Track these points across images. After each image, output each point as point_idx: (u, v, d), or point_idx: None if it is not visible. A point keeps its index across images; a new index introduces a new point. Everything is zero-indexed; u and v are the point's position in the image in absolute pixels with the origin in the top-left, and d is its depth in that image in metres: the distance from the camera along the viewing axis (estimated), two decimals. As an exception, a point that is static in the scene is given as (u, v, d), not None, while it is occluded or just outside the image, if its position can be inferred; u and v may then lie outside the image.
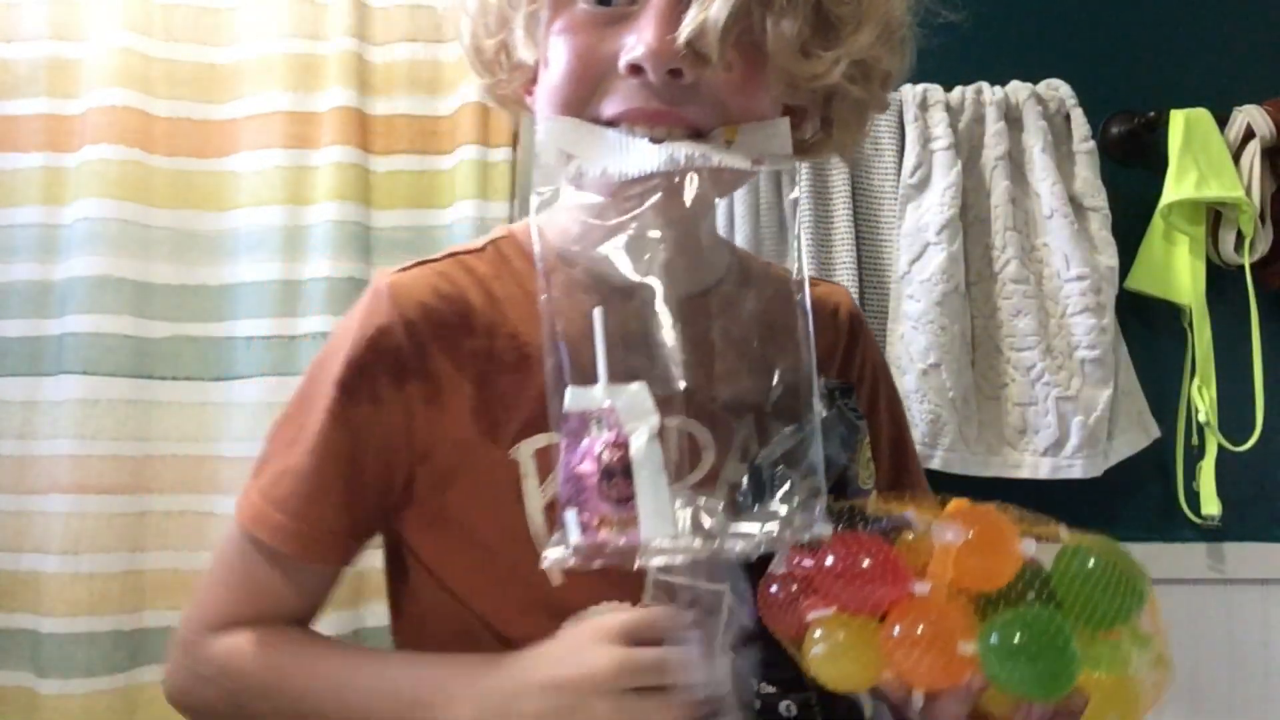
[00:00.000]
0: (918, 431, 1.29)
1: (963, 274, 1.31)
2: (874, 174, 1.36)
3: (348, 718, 0.61)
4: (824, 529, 0.53)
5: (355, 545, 0.67)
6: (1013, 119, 1.36)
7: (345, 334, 0.66)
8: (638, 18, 0.56)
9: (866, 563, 0.53)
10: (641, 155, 0.55)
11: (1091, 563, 0.54)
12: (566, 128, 0.57)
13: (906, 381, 1.28)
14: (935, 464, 1.29)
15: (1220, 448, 1.38)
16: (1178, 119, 1.38)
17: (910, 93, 1.35)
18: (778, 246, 1.30)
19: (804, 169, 1.28)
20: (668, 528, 0.49)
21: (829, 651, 0.53)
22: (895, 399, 0.78)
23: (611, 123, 0.58)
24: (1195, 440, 1.40)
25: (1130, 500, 1.40)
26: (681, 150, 0.55)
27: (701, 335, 0.59)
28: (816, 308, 0.61)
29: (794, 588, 0.54)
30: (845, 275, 1.31)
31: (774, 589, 0.55)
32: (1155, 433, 1.37)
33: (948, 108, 1.34)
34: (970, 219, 1.34)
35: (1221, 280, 1.40)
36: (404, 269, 0.66)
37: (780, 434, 0.57)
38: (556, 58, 0.59)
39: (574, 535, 0.50)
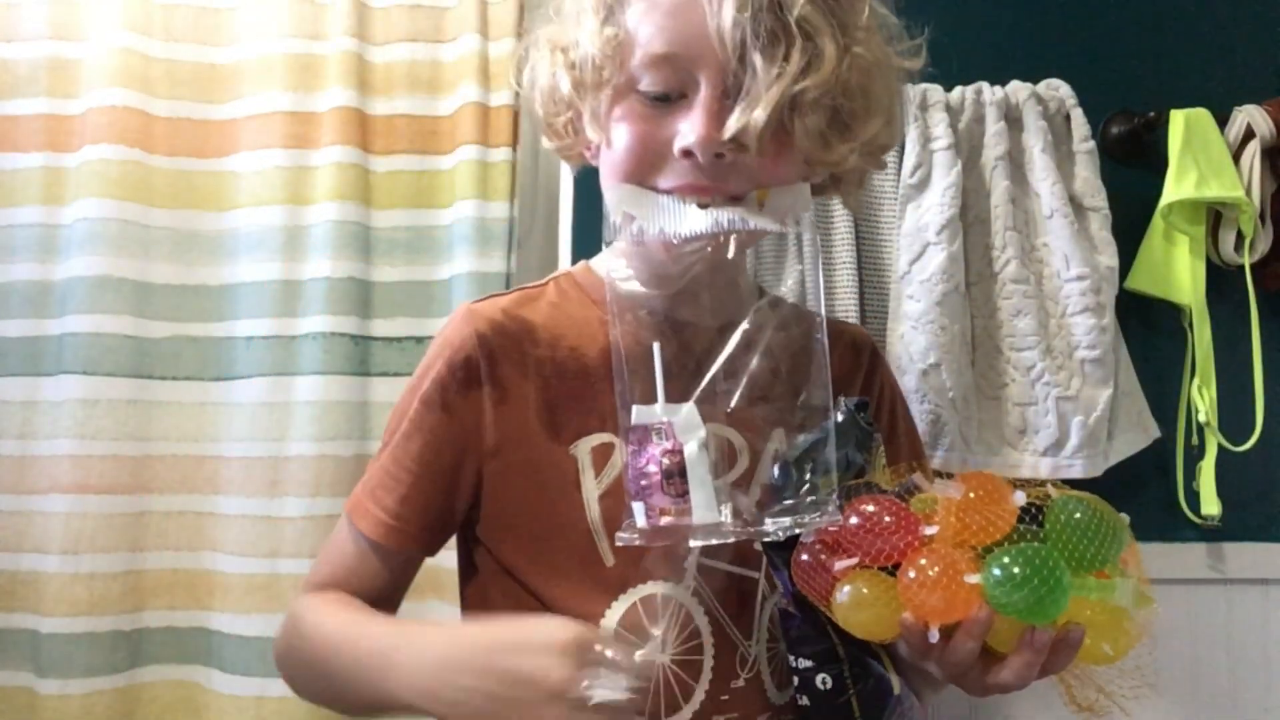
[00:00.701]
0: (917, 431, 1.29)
1: (963, 274, 1.31)
2: (873, 174, 1.36)
3: (343, 665, 0.70)
4: (836, 515, 0.63)
5: (429, 535, 0.78)
6: (1013, 119, 1.36)
7: (431, 352, 0.79)
8: (688, 109, 0.68)
9: (883, 518, 0.63)
10: (692, 219, 0.68)
11: (1079, 513, 0.62)
12: (630, 194, 0.70)
13: (906, 381, 1.28)
14: (935, 464, 1.29)
15: (1220, 448, 1.38)
16: (1178, 119, 1.38)
17: (910, 93, 1.35)
18: (775, 272, 1.30)
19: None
20: (714, 516, 0.63)
21: (854, 600, 0.62)
22: (911, 424, 0.91)
23: (666, 192, 0.70)
24: (1195, 440, 1.40)
25: (1130, 500, 1.40)
26: (725, 215, 0.68)
27: (737, 358, 0.71)
28: (839, 341, 0.77)
29: (820, 551, 0.64)
30: (845, 275, 1.31)
31: (804, 557, 0.65)
32: (1155, 433, 1.37)
33: (948, 108, 1.34)
34: (970, 219, 1.34)
35: (1221, 280, 1.40)
36: (480, 299, 0.80)
37: (804, 436, 0.68)
38: (619, 138, 0.71)
39: (640, 521, 0.64)
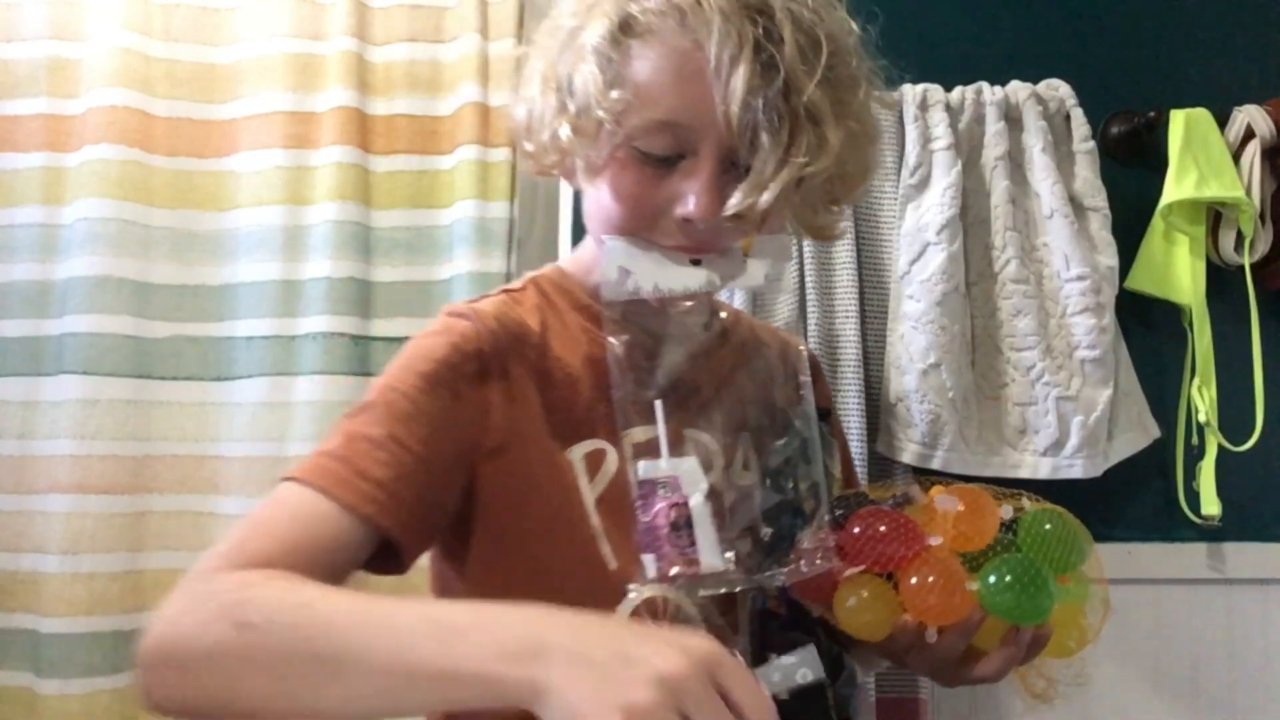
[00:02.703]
0: (917, 431, 1.29)
1: (963, 274, 1.31)
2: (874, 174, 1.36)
3: (370, 639, 0.53)
4: (829, 564, 0.67)
5: (418, 526, 0.68)
6: (1013, 119, 1.36)
7: (426, 341, 0.74)
8: (687, 174, 0.69)
9: (885, 528, 0.68)
10: (686, 277, 0.71)
11: (1048, 525, 0.70)
12: (628, 249, 0.71)
13: (906, 381, 1.28)
14: (935, 464, 1.29)
15: (1220, 448, 1.37)
16: (1178, 119, 1.38)
17: (910, 93, 1.35)
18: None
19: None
20: (719, 564, 0.65)
21: (858, 605, 0.68)
22: (843, 434, 0.97)
23: (662, 247, 0.71)
24: (1195, 440, 1.40)
25: (1130, 500, 1.40)
26: (716, 275, 0.71)
27: (711, 371, 0.76)
28: (780, 346, 0.81)
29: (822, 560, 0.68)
30: (845, 275, 1.31)
31: (804, 566, 0.67)
32: (1155, 433, 1.37)
33: (948, 108, 1.34)
34: (970, 219, 1.34)
35: (1221, 280, 1.40)
36: (466, 303, 0.77)
37: (774, 446, 0.72)
38: (617, 193, 0.70)
39: (651, 572, 0.66)
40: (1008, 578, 0.66)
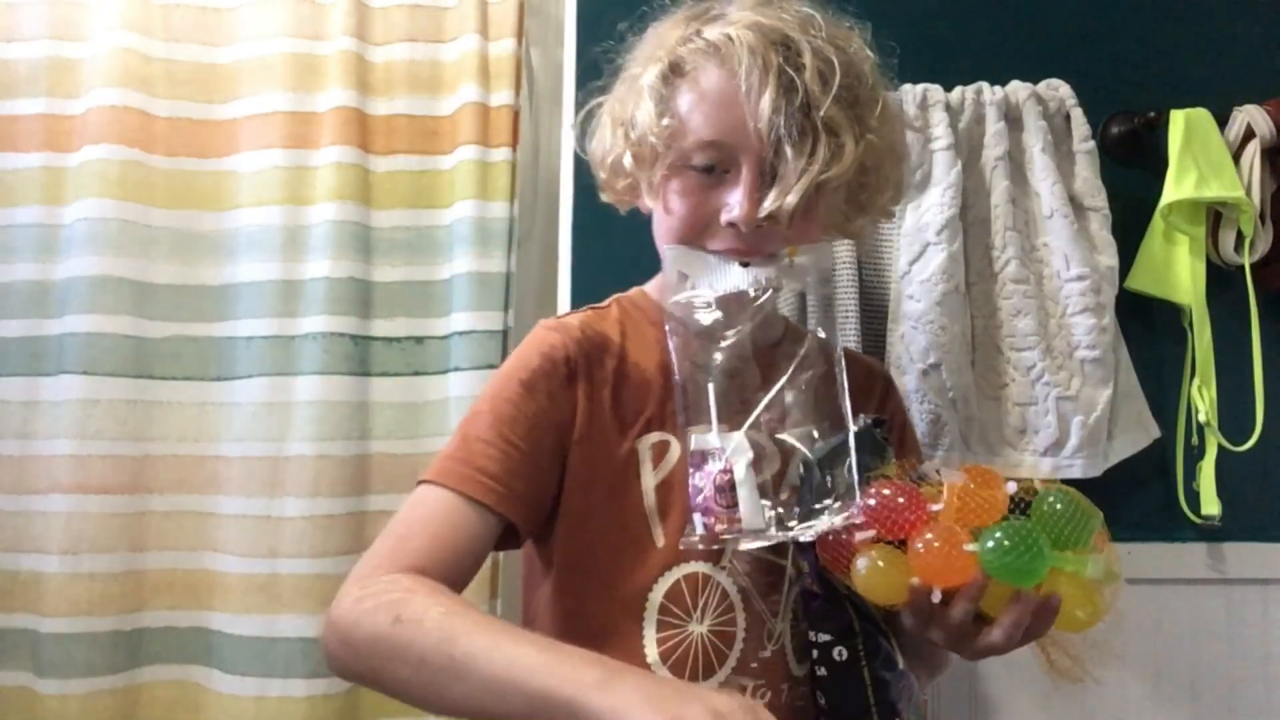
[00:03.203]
0: (917, 431, 1.29)
1: (963, 274, 1.31)
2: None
3: (489, 645, 0.66)
4: (858, 517, 0.75)
5: (529, 509, 0.82)
6: (1013, 119, 1.36)
7: (524, 352, 0.87)
8: (732, 184, 0.81)
9: (896, 498, 0.74)
10: (736, 276, 0.81)
11: (1059, 503, 0.74)
12: (684, 255, 0.83)
13: (906, 381, 1.28)
14: (935, 464, 1.29)
15: (1220, 448, 1.37)
16: (1178, 119, 1.38)
17: (910, 93, 1.35)
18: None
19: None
20: (759, 524, 0.75)
21: (870, 569, 0.74)
22: (918, 447, 1.04)
23: (714, 252, 0.82)
24: (1195, 440, 1.40)
25: (1130, 500, 1.40)
26: (763, 273, 0.81)
27: (769, 374, 0.83)
28: (858, 369, 0.90)
29: (843, 529, 0.75)
30: (845, 275, 1.31)
31: (830, 536, 0.76)
32: (1155, 433, 1.37)
33: (948, 108, 1.34)
34: (970, 219, 1.34)
35: (1221, 280, 1.40)
36: (557, 318, 0.91)
37: (825, 441, 0.79)
38: (674, 207, 0.84)
39: (699, 529, 0.77)
40: (1002, 540, 0.71)
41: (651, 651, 0.81)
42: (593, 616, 0.83)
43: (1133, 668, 1.38)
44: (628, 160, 0.86)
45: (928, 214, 1.31)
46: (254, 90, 1.38)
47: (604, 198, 0.94)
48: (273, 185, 1.35)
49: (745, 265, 0.81)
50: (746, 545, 0.78)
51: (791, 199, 0.78)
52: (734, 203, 0.80)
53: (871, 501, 0.75)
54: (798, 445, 0.81)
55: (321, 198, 1.34)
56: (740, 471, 0.76)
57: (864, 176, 0.84)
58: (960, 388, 1.28)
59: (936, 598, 0.72)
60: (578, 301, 1.29)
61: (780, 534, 0.76)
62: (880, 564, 0.74)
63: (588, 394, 0.85)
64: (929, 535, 0.73)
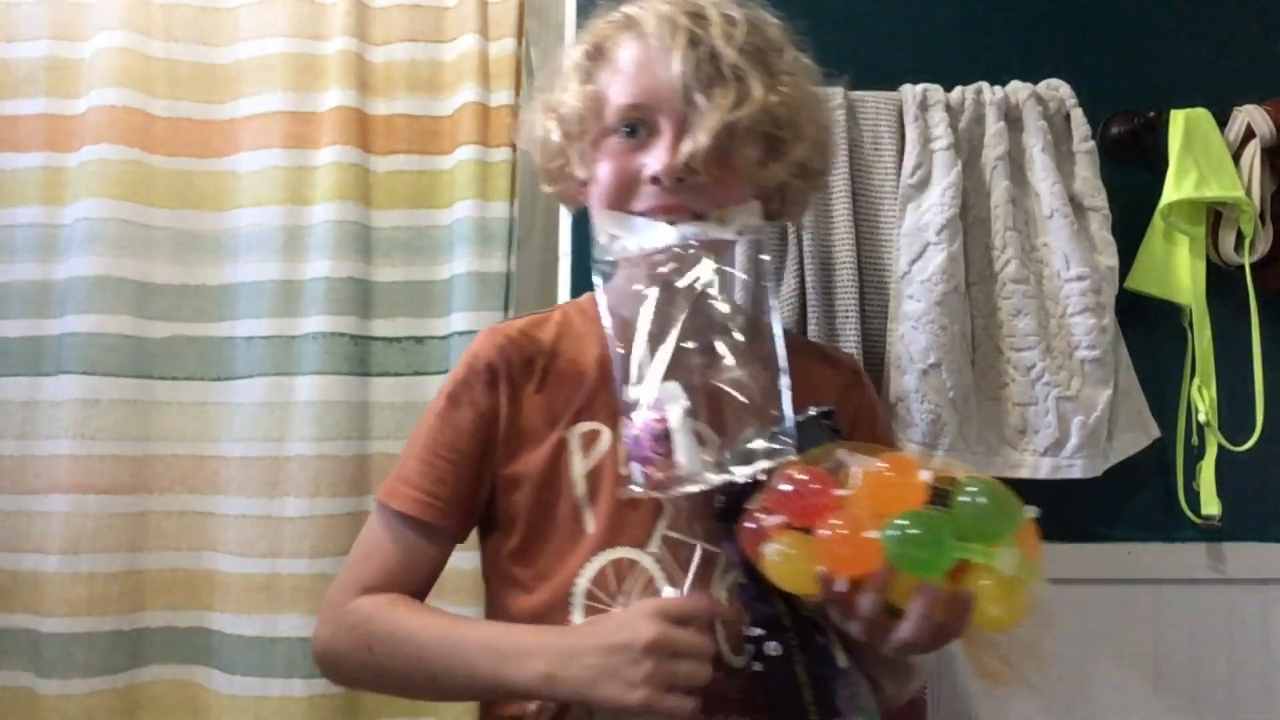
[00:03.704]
0: (917, 431, 1.29)
1: (963, 274, 1.31)
2: (874, 174, 1.36)
3: (450, 661, 0.81)
4: (793, 454, 0.76)
5: (459, 514, 0.88)
6: (1013, 119, 1.36)
7: (456, 365, 0.93)
8: (653, 145, 0.84)
9: (810, 483, 0.73)
10: (662, 234, 0.82)
11: (980, 495, 0.70)
12: (613, 218, 0.85)
13: (906, 381, 1.28)
14: (935, 464, 1.29)
15: (1220, 448, 1.38)
16: (1178, 119, 1.38)
17: (910, 93, 1.35)
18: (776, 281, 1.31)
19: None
20: (695, 469, 0.76)
21: (779, 555, 0.72)
22: (894, 444, 1.04)
23: (642, 214, 0.84)
24: (1195, 440, 1.40)
25: (1130, 500, 1.40)
26: (689, 229, 0.82)
27: (703, 331, 0.82)
28: (814, 358, 0.96)
29: (758, 516, 0.73)
30: (845, 275, 1.31)
31: (747, 523, 0.74)
32: (1155, 433, 1.37)
33: (948, 108, 1.34)
34: (970, 219, 1.34)
35: (1221, 280, 1.40)
36: (501, 323, 0.95)
37: (764, 430, 0.79)
38: (602, 173, 0.87)
39: (638, 477, 0.77)
40: (904, 527, 0.68)
41: None
42: (529, 610, 0.85)
43: (1133, 668, 1.38)
44: (556, 135, 0.90)
45: (928, 214, 1.31)
46: (254, 90, 1.38)
47: (545, 188, 0.97)
48: (273, 185, 1.35)
49: (672, 224, 0.83)
50: (685, 489, 0.77)
51: (702, 139, 0.80)
52: (654, 157, 0.83)
53: (783, 486, 0.73)
54: (735, 394, 0.80)
55: (321, 198, 1.34)
56: (675, 418, 0.77)
57: (779, 129, 0.85)
58: (960, 388, 1.28)
59: (841, 587, 0.70)
60: (578, 301, 1.29)
61: (718, 477, 0.76)
62: (789, 551, 0.72)
63: (510, 395, 0.89)
64: (834, 521, 0.70)
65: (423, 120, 1.39)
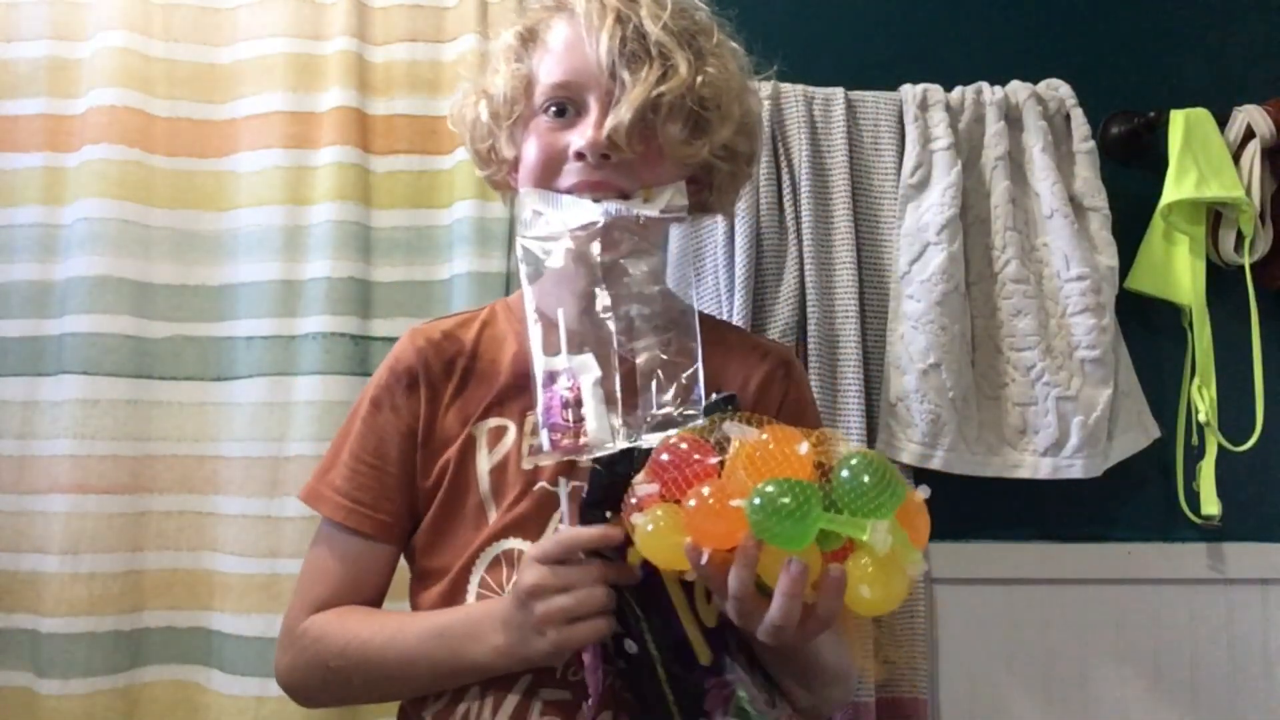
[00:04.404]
0: (917, 431, 1.29)
1: (963, 274, 1.31)
2: (874, 174, 1.36)
3: (407, 660, 0.82)
4: (700, 419, 0.74)
5: (389, 519, 0.89)
6: (1013, 119, 1.36)
7: (381, 364, 0.94)
8: (579, 123, 0.85)
9: (686, 452, 0.69)
10: (587, 211, 0.83)
11: (861, 470, 0.65)
12: (538, 195, 0.86)
13: (906, 381, 1.28)
14: (935, 464, 1.29)
15: (1220, 448, 1.38)
16: (1178, 119, 1.38)
17: (910, 93, 1.35)
18: (775, 276, 1.32)
19: (773, 188, 1.31)
20: (604, 437, 0.78)
21: (652, 528, 0.68)
22: (818, 424, 0.98)
23: (568, 191, 0.85)
24: (1195, 440, 1.40)
25: (1130, 500, 1.40)
26: (613, 206, 0.83)
27: (619, 304, 0.84)
28: (747, 350, 0.94)
29: (635, 485, 0.70)
30: (845, 275, 1.31)
31: (631, 499, 0.71)
32: (1155, 433, 1.37)
33: (948, 108, 1.35)
34: (970, 219, 1.34)
35: (1221, 280, 1.40)
36: (425, 322, 0.96)
37: (674, 404, 0.80)
38: (529, 152, 0.88)
39: (545, 444, 0.79)
40: (770, 494, 0.62)
41: None
42: (430, 603, 0.86)
43: (1133, 668, 1.39)
44: (485, 116, 0.91)
45: (928, 214, 1.31)
46: (254, 90, 1.37)
47: (479, 173, 0.97)
48: (273, 185, 1.35)
49: (597, 202, 0.83)
50: (593, 455, 0.77)
51: (626, 113, 0.81)
52: (579, 134, 0.84)
53: (663, 456, 0.69)
54: (649, 370, 0.81)
55: (321, 198, 1.34)
56: (587, 386, 0.79)
57: (704, 109, 0.85)
58: (960, 388, 1.28)
59: (703, 558, 0.65)
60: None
61: (627, 441, 0.77)
62: (662, 523, 0.67)
63: (429, 397, 0.90)
64: (703, 490, 0.65)
65: (423, 120, 1.39)
